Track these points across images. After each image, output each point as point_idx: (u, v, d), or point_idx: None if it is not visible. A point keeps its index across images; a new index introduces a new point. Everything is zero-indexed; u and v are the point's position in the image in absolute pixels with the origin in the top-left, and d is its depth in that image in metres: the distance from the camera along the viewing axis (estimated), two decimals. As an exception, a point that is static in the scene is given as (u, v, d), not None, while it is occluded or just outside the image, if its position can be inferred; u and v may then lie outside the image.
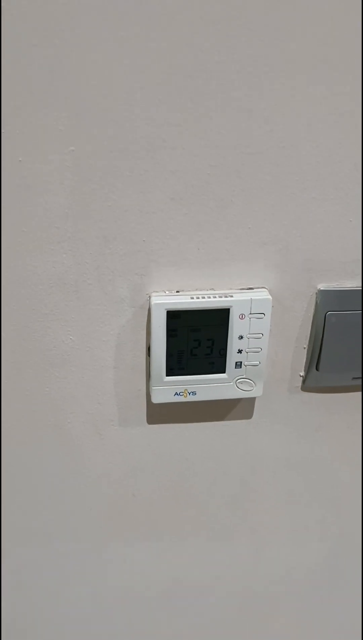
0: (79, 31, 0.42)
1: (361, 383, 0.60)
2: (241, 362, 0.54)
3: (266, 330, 0.53)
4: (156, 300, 0.51)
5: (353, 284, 0.55)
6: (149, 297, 0.51)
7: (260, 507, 0.66)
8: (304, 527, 0.69)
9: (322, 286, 0.54)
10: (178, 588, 0.71)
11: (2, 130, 0.44)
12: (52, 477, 0.60)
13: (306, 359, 0.58)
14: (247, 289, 0.53)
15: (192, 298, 0.51)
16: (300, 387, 0.60)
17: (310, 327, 0.56)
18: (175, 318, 0.51)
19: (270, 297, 0.52)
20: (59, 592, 0.69)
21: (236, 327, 0.52)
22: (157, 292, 0.52)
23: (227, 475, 0.63)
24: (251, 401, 0.60)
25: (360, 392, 0.62)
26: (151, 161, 0.46)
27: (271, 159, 0.48)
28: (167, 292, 0.52)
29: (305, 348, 0.58)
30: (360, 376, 0.59)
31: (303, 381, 0.59)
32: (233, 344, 0.53)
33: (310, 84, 0.46)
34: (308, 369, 0.58)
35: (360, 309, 0.55)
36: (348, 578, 0.75)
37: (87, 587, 0.69)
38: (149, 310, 0.51)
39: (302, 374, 0.59)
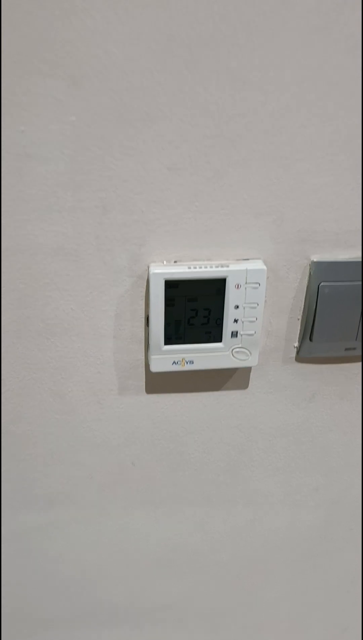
0: (78, 2, 0.42)
1: (357, 354, 0.61)
2: (237, 332, 0.55)
3: (261, 300, 0.53)
4: (154, 270, 0.51)
5: (346, 255, 0.55)
6: (148, 267, 0.52)
7: (256, 474, 0.67)
8: (299, 493, 0.70)
9: (315, 257, 0.55)
10: (176, 554, 0.72)
11: (2, 102, 0.44)
12: (54, 445, 0.61)
13: (300, 329, 0.59)
14: (243, 260, 0.54)
15: (189, 268, 0.52)
16: (294, 358, 0.60)
17: (303, 298, 0.57)
18: (173, 287, 0.52)
19: (264, 267, 0.53)
20: (61, 558, 0.70)
21: (232, 296, 0.53)
22: (155, 262, 0.52)
23: (223, 444, 0.64)
24: (246, 371, 0.60)
25: (353, 363, 0.62)
26: (149, 131, 0.47)
27: (265, 130, 0.48)
28: (165, 262, 0.53)
29: (299, 319, 0.58)
30: (353, 347, 0.60)
31: (297, 352, 0.60)
32: (229, 314, 0.54)
33: (304, 54, 0.46)
34: (302, 340, 0.59)
35: (353, 280, 0.56)
36: (342, 544, 0.76)
37: (88, 552, 0.70)
38: (147, 280, 0.52)
39: (296, 344, 0.60)
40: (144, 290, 0.53)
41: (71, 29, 0.42)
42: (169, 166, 0.48)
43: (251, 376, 0.61)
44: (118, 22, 0.43)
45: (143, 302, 0.54)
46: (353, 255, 0.55)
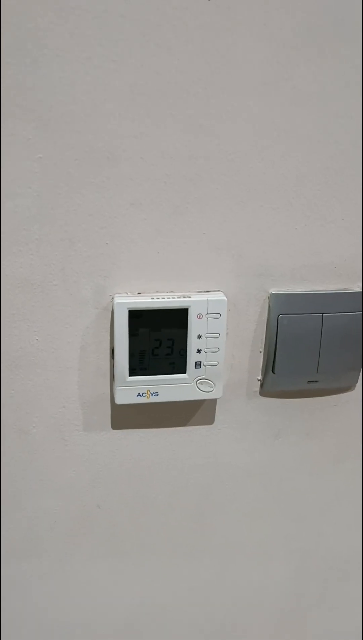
0: (48, 52, 0.46)
1: (319, 387, 0.62)
2: (200, 362, 0.56)
3: (222, 330, 0.55)
4: (118, 299, 0.52)
5: (302, 288, 0.58)
6: (112, 298, 0.53)
7: (222, 520, 0.65)
8: (269, 543, 0.68)
9: (273, 290, 0.57)
10: (144, 613, 0.68)
11: (-25, 139, 0.47)
12: (17, 488, 0.59)
13: (263, 362, 0.60)
14: (204, 292, 0.56)
15: (152, 298, 0.53)
16: (258, 392, 0.61)
17: (264, 331, 0.58)
18: (137, 318, 0.53)
19: (225, 298, 0.55)
20: (16, 615, 0.65)
21: (194, 326, 0.54)
22: (119, 293, 0.54)
23: (189, 485, 0.63)
24: (211, 405, 0.60)
25: (317, 397, 0.63)
26: (112, 169, 0.50)
27: (220, 170, 0.52)
28: (129, 293, 0.54)
29: (261, 351, 0.59)
30: (315, 379, 0.61)
31: (261, 385, 0.61)
32: (192, 344, 0.55)
33: (255, 104, 0.50)
34: (265, 373, 0.60)
35: (311, 312, 0.58)
36: (316, 600, 0.73)
37: (51, 611, 0.65)
38: (112, 311, 0.53)
39: (259, 377, 0.61)
40: (109, 322, 0.55)
41: (40, 76, 0.46)
42: (132, 202, 0.51)
43: (216, 411, 0.61)
44: (84, 72, 0.47)
45: (107, 334, 0.55)
46: (309, 288, 0.58)
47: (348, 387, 0.63)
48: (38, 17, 0.45)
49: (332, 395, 0.63)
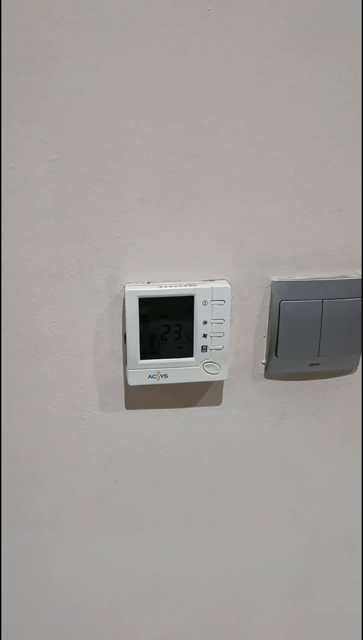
0: (58, 62, 0.50)
1: (321, 370, 0.65)
2: (206, 346, 0.59)
3: (227, 316, 0.58)
4: (129, 288, 0.56)
5: (303, 276, 0.61)
6: (124, 286, 0.57)
7: (232, 496, 0.69)
8: (277, 519, 0.71)
9: (275, 278, 0.60)
10: (159, 582, 0.72)
11: (-4, 143, 0.52)
12: (40, 464, 0.63)
13: (267, 346, 0.63)
14: (209, 280, 0.59)
15: (161, 287, 0.57)
16: (263, 374, 0.64)
17: (267, 317, 0.62)
18: (146, 305, 0.57)
19: (228, 285, 0.58)
20: (45, 585, 0.70)
21: (200, 313, 0.58)
22: (130, 282, 0.58)
23: (200, 463, 0.66)
24: (219, 387, 0.64)
25: (319, 380, 0.66)
26: (121, 167, 0.54)
27: (222, 166, 0.55)
28: (139, 282, 0.58)
29: (264, 336, 0.63)
30: (317, 362, 0.64)
31: (266, 368, 0.64)
32: (198, 329, 0.58)
33: (252, 102, 0.53)
34: (268, 356, 0.63)
35: (312, 298, 0.61)
36: (325, 577, 0.76)
37: (72, 581, 0.70)
38: (123, 298, 0.57)
39: (264, 361, 0.64)
40: (121, 309, 0.58)
41: (53, 84, 0.50)
42: (140, 197, 0.55)
43: (224, 392, 0.64)
44: (92, 79, 0.51)
45: (120, 321, 0.59)
46: (309, 276, 0.61)
47: (350, 370, 0.66)
48: (49, 30, 0.49)
49: (334, 378, 0.66)
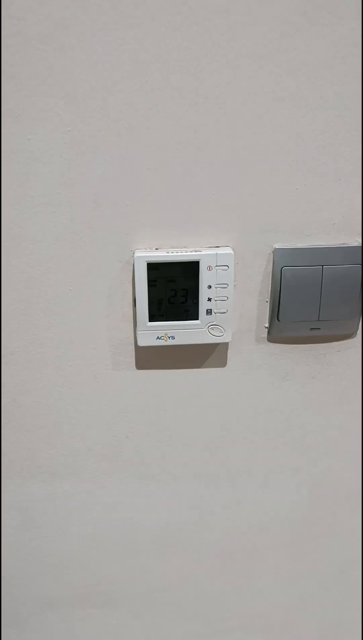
0: (72, 38, 0.53)
1: (321, 334, 0.67)
2: (211, 310, 0.62)
3: (230, 280, 0.61)
4: (138, 254, 0.60)
5: (304, 243, 0.63)
6: (133, 252, 0.61)
7: (237, 451, 0.73)
8: (280, 473, 0.75)
9: (277, 245, 0.63)
10: (169, 532, 0.77)
11: (14, 116, 0.55)
12: (56, 417, 0.68)
13: (269, 310, 0.66)
14: (214, 247, 0.62)
15: (168, 253, 0.60)
16: (266, 338, 0.67)
17: (270, 282, 0.64)
18: (154, 270, 0.60)
19: (232, 252, 0.61)
20: (60, 532, 0.75)
21: (205, 277, 0.61)
22: (139, 248, 0.61)
23: (206, 420, 0.70)
24: (223, 350, 0.67)
25: (320, 343, 0.69)
26: (131, 138, 0.57)
27: (225, 137, 0.58)
28: (148, 248, 0.61)
29: (267, 301, 0.66)
30: (317, 327, 0.66)
31: (268, 332, 0.67)
32: (203, 293, 0.61)
33: (255, 75, 0.56)
34: (271, 320, 0.66)
35: (312, 264, 0.63)
36: (327, 529, 0.79)
37: (86, 528, 0.75)
38: (133, 263, 0.60)
39: (266, 325, 0.67)
40: (131, 274, 0.62)
41: (67, 59, 0.53)
42: (148, 167, 0.58)
43: (228, 355, 0.67)
44: (105, 54, 0.54)
45: (130, 285, 0.63)
46: (309, 243, 0.63)
47: (350, 334, 0.69)
48: (64, 9, 0.52)
49: (335, 342, 0.69)
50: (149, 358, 0.66)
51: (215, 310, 0.62)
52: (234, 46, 0.54)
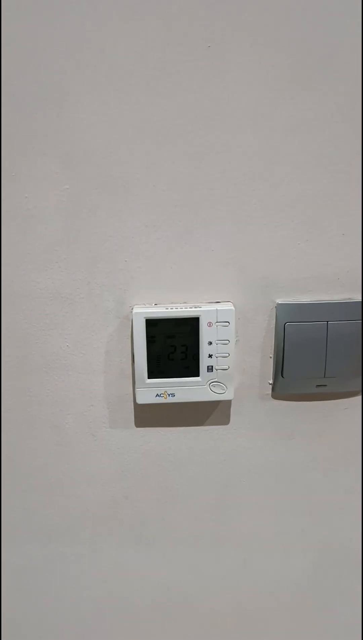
0: (70, 99, 0.53)
1: (328, 391, 0.64)
2: (212, 366, 0.60)
3: (231, 336, 0.59)
4: (136, 310, 0.58)
5: (307, 298, 0.61)
6: (132, 308, 0.59)
7: (241, 513, 0.68)
8: (287, 536, 0.70)
9: (280, 300, 0.61)
10: (169, 599, 0.72)
11: (11, 174, 0.54)
12: (53, 477, 0.65)
13: (273, 367, 0.63)
14: (215, 302, 0.60)
15: (167, 309, 0.58)
16: (270, 395, 0.64)
17: (273, 338, 0.62)
18: (153, 326, 0.58)
19: (233, 307, 0.59)
20: (58, 596, 0.71)
21: (205, 333, 0.59)
22: (138, 304, 0.59)
23: (209, 480, 0.67)
24: (226, 407, 0.64)
25: (327, 401, 0.65)
26: (128, 196, 0.56)
27: (225, 194, 0.56)
28: (146, 304, 0.59)
29: (270, 357, 0.63)
30: (324, 384, 0.63)
31: (272, 388, 0.64)
32: (203, 349, 0.59)
33: (253, 134, 0.55)
34: (275, 377, 0.63)
35: (316, 320, 0.61)
36: (335, 594, 0.74)
37: (84, 592, 0.71)
38: (131, 319, 0.58)
39: (270, 381, 0.64)
40: (129, 329, 0.60)
41: (64, 119, 0.53)
42: (146, 224, 0.57)
43: (231, 412, 0.64)
44: (102, 115, 0.53)
45: (129, 341, 0.60)
46: (313, 298, 0.61)
47: (358, 391, 0.65)
48: (61, 72, 0.52)
49: (342, 399, 0.65)
50: (149, 415, 0.64)
51: (216, 367, 0.60)
52: (232, 105, 0.54)
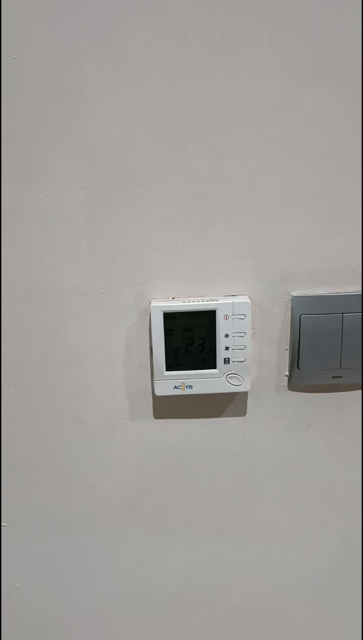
0: (91, 100, 0.53)
1: (344, 382, 0.64)
2: (229, 359, 0.60)
3: (248, 329, 0.59)
4: (154, 304, 0.58)
5: (322, 291, 0.61)
6: (150, 302, 0.59)
7: (260, 504, 0.69)
8: (305, 527, 0.70)
9: (295, 293, 0.61)
10: (190, 588, 0.72)
11: (32, 174, 0.55)
12: (75, 468, 0.66)
13: (289, 359, 0.63)
14: (231, 295, 0.60)
15: (184, 302, 0.59)
16: (286, 386, 0.64)
17: (289, 330, 0.62)
18: (171, 319, 0.59)
19: (249, 300, 0.59)
20: (81, 587, 0.72)
21: (222, 326, 0.59)
22: (156, 298, 0.60)
23: (228, 471, 0.67)
24: (243, 398, 0.64)
25: (343, 392, 0.65)
26: (146, 192, 0.56)
27: (241, 188, 0.57)
28: (163, 298, 0.60)
29: (287, 349, 0.63)
30: (339, 375, 0.63)
31: (289, 380, 0.64)
32: (220, 342, 0.59)
33: (270, 127, 0.55)
34: (291, 369, 0.63)
35: (331, 312, 0.61)
36: (354, 587, 0.74)
37: (107, 583, 0.72)
38: (150, 313, 0.59)
39: (287, 373, 0.64)
40: (148, 323, 0.61)
41: (85, 119, 0.54)
42: (164, 219, 0.57)
43: (248, 403, 0.65)
44: (120, 112, 0.54)
45: (147, 334, 0.61)
46: (328, 291, 0.61)
47: (374, 383, 0.65)
48: (83, 75, 0.53)
49: (358, 390, 0.65)
50: (167, 407, 0.64)
51: (233, 359, 0.60)
52: (248, 100, 0.54)
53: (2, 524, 0.68)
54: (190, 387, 0.61)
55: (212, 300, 0.59)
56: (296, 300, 0.61)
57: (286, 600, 0.74)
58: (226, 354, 0.60)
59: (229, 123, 0.55)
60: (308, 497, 0.69)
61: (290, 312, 0.61)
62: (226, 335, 0.59)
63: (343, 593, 0.74)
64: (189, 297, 0.60)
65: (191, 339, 0.60)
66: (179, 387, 0.61)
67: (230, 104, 0.54)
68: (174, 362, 0.60)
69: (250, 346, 0.60)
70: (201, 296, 0.60)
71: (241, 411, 0.65)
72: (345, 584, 0.73)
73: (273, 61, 0.53)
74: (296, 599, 0.74)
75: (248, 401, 0.65)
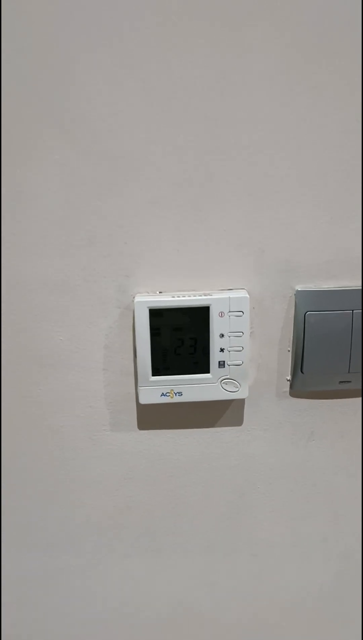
0: (76, 75, 0.45)
1: (352, 387, 0.57)
2: (224, 362, 0.53)
3: (246, 328, 0.52)
4: (139, 299, 0.51)
5: (330, 285, 0.53)
6: (133, 297, 0.51)
7: (258, 521, 0.62)
8: (306, 545, 0.63)
9: (299, 287, 0.53)
10: (179, 613, 0.65)
11: (8, 152, 0.47)
12: (52, 484, 0.58)
13: (292, 361, 0.56)
14: (227, 290, 0.53)
15: (173, 297, 0.51)
16: (288, 392, 0.57)
17: (291, 329, 0.55)
18: (158, 316, 0.51)
19: (247, 295, 0.51)
20: (59, 611, 0.64)
21: (216, 325, 0.51)
22: (141, 292, 0.52)
23: (222, 486, 0.60)
24: (239, 406, 0.57)
25: (351, 399, 0.58)
26: (130, 170, 0.48)
27: (240, 167, 0.49)
28: (150, 292, 0.52)
29: (289, 350, 0.56)
30: (348, 380, 0.56)
31: (291, 385, 0.57)
32: (214, 342, 0.52)
33: (270, 98, 0.47)
34: (294, 372, 0.56)
35: (340, 309, 0.53)
36: (357, 608, 0.67)
37: (88, 607, 0.64)
38: (133, 309, 0.51)
39: (289, 377, 0.57)
40: (131, 321, 0.53)
41: (69, 94, 0.46)
42: (150, 200, 0.49)
43: (245, 411, 0.57)
44: (105, 87, 0.46)
45: (131, 333, 0.53)
46: (336, 284, 0.53)
47: (385, 388, 0.58)
48: (69, 49, 0.45)
49: (368, 396, 0.58)
50: (153, 417, 0.56)
51: (229, 362, 0.52)
52: (248, 68, 0.46)
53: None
54: (180, 394, 0.53)
55: (205, 295, 0.51)
56: (300, 295, 0.53)
57: (284, 623, 0.67)
58: (221, 357, 0.52)
59: (225, 88, 0.47)
60: (308, 514, 0.62)
61: (293, 309, 0.54)
62: (221, 335, 0.52)
63: (345, 614, 0.67)
64: (179, 291, 0.52)
65: (180, 339, 0.52)
66: (168, 394, 0.53)
67: (227, 65, 0.46)
68: (161, 365, 0.52)
69: (248, 347, 0.52)
70: (193, 290, 0.52)
71: (238, 420, 0.57)
72: (348, 606, 0.67)
73: (280, 34, 0.45)
74: (294, 622, 0.67)
75: (245, 409, 0.57)
